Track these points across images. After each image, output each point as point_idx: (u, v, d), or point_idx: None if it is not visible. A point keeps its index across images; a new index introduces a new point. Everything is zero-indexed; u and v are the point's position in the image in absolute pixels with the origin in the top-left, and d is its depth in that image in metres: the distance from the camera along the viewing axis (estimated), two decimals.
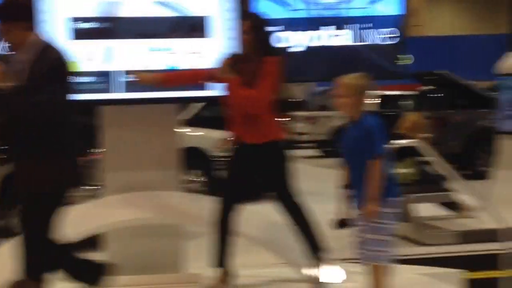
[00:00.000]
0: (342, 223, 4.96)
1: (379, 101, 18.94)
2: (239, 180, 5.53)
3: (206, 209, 5.83)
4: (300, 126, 19.39)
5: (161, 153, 6.06)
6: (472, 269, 7.08)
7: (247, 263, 5.88)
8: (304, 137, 19.70)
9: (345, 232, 4.99)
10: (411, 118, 9.66)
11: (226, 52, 5.56)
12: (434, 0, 32.20)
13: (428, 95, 17.00)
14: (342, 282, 5.59)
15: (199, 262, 6.49)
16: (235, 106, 5.37)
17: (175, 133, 6.20)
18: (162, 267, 5.94)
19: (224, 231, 5.50)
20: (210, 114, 13.87)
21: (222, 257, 5.52)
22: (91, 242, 6.49)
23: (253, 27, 5.32)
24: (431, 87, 16.95)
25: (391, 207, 4.78)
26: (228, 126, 5.54)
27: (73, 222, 5.59)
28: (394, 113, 17.22)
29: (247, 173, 5.52)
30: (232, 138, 5.56)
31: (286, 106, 6.08)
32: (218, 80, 5.44)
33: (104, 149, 6.12)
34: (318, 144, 19.54)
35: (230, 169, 5.65)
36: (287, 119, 16.32)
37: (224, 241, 5.51)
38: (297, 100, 19.96)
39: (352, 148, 4.87)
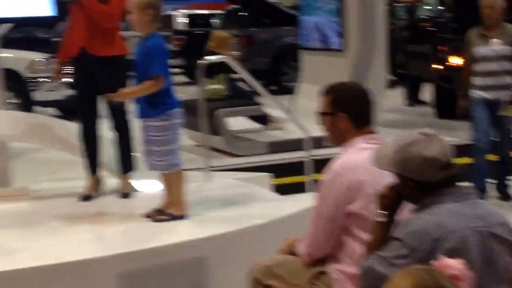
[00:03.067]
0: None
1: (188, 20, 19.26)
2: (84, 90, 5.71)
3: (31, 126, 5.98)
4: None
5: None
6: (280, 175, 7.69)
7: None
8: None
9: None
10: (218, 35, 10.07)
11: None
12: None
13: (235, 13, 17.44)
14: (146, 191, 5.90)
15: (26, 177, 6.72)
16: (86, 19, 5.48)
17: None
18: None
19: (86, 140, 5.76)
20: (18, 36, 13.65)
21: (92, 166, 5.78)
22: None
23: None
24: (237, 6, 17.37)
25: (173, 118, 5.00)
26: (70, 39, 5.65)
27: None
28: (203, 32, 17.68)
29: (91, 85, 5.64)
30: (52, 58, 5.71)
31: None
32: None
33: None
34: None
35: (75, 80, 5.78)
36: None
37: (92, 152, 5.78)
38: None
39: (137, 63, 5.02)
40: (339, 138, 3.59)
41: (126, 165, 5.83)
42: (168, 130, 4.98)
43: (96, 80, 5.59)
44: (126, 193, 5.78)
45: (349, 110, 3.53)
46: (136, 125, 5.44)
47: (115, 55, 5.62)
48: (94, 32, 5.53)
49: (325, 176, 3.49)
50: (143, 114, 5.03)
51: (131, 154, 5.85)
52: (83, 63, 5.61)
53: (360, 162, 3.40)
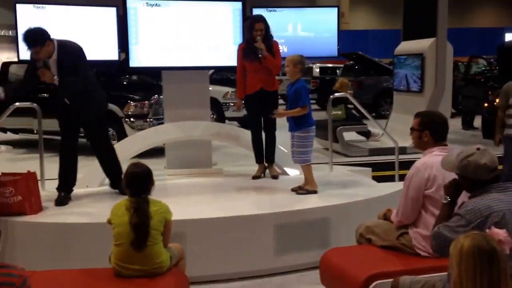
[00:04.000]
0: None
1: (320, 70, 19.20)
2: (258, 111, 5.71)
3: (223, 131, 6.12)
4: None
5: (200, 98, 6.16)
6: (377, 170, 7.53)
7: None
8: None
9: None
10: (341, 80, 10.00)
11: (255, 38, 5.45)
12: (355, 5, 32.09)
13: (351, 66, 17.28)
14: (291, 175, 5.88)
15: (221, 162, 6.92)
16: (265, 69, 5.50)
17: (207, 87, 6.26)
18: (200, 165, 6.17)
19: (257, 142, 5.79)
20: (216, 77, 14.07)
21: (259, 157, 5.82)
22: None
23: (264, 25, 5.50)
24: (353, 62, 17.22)
25: (310, 132, 5.00)
26: (248, 81, 5.62)
27: (146, 138, 5.95)
28: (329, 78, 17.61)
29: (260, 108, 5.66)
30: (236, 91, 5.80)
31: None
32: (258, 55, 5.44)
33: (162, 96, 6.19)
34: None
35: (251, 106, 5.72)
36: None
37: (258, 147, 5.80)
38: None
39: (289, 99, 5.06)
40: (422, 147, 3.52)
41: (272, 157, 5.85)
42: (307, 139, 5.02)
43: (262, 105, 5.61)
44: (274, 175, 5.79)
45: (431, 129, 3.45)
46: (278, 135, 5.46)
47: (276, 89, 5.68)
48: (268, 76, 5.58)
49: (410, 170, 3.43)
50: (292, 129, 5.09)
51: (274, 150, 5.83)
52: (260, 96, 5.62)
53: (434, 163, 3.32)
